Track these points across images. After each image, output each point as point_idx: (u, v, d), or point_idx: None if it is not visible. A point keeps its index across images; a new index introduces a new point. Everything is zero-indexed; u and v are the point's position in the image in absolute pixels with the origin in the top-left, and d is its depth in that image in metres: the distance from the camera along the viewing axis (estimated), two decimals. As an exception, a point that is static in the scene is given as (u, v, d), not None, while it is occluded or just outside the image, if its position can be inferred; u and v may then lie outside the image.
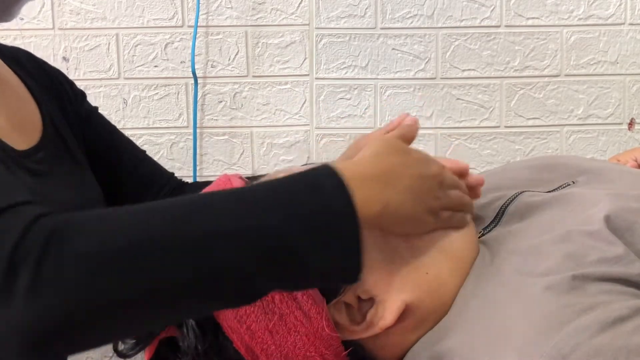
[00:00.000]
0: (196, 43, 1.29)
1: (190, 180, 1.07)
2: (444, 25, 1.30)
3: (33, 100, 0.76)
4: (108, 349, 0.58)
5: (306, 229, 0.49)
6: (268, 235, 0.48)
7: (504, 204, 0.72)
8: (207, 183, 0.86)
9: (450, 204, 0.61)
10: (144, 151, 0.93)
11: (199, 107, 1.32)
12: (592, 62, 1.32)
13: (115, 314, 0.44)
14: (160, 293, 0.45)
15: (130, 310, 0.45)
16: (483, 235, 0.70)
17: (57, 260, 0.43)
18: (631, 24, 1.32)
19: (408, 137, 0.63)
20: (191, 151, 1.32)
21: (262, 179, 0.67)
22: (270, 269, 0.48)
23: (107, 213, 0.47)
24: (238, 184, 0.65)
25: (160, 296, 0.45)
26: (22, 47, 1.27)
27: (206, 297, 0.47)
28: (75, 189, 0.74)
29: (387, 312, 0.59)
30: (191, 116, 1.31)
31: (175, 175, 0.94)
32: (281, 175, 0.54)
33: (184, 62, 1.31)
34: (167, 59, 1.31)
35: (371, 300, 0.60)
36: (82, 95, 0.87)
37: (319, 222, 0.49)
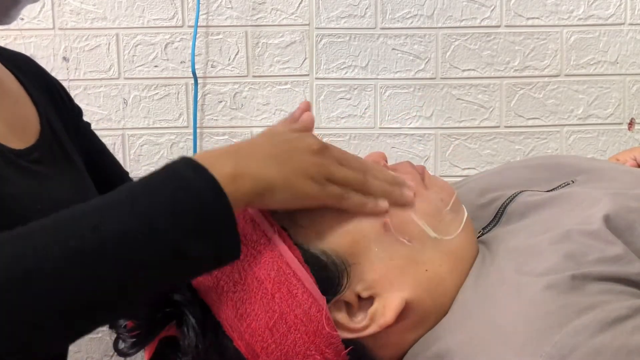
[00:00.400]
0: (196, 43, 1.29)
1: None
2: (444, 25, 1.31)
3: (31, 102, 0.77)
4: (108, 348, 0.58)
5: (178, 222, 0.50)
6: (148, 241, 0.49)
7: (504, 203, 0.72)
8: None
9: (340, 178, 0.59)
10: (128, 173, 0.95)
11: (199, 107, 1.32)
12: (592, 62, 1.32)
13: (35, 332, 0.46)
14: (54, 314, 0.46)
15: (39, 331, 0.46)
16: (482, 234, 0.70)
17: None
18: (631, 24, 1.32)
19: (296, 116, 0.64)
20: (191, 151, 1.32)
21: None
22: (154, 270, 0.50)
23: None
24: None
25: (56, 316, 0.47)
26: (22, 47, 1.28)
27: (109, 306, 0.50)
28: (73, 189, 0.74)
29: (387, 310, 0.59)
30: (191, 116, 1.31)
31: None
32: None
33: (184, 62, 1.31)
34: (167, 59, 1.31)
35: (371, 299, 0.61)
36: (79, 110, 0.88)
37: (186, 211, 0.50)
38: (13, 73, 0.78)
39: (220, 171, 0.53)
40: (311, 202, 0.59)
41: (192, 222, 0.51)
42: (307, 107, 0.67)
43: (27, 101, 0.76)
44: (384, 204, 0.62)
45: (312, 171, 0.58)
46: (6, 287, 0.44)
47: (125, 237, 0.48)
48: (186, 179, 0.52)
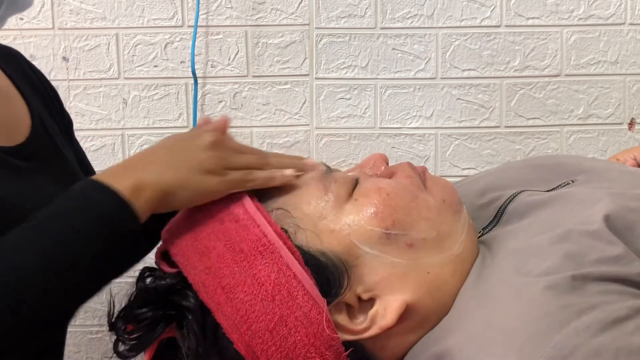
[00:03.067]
0: (196, 43, 1.29)
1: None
2: (444, 25, 1.30)
3: (22, 99, 0.76)
4: (108, 349, 0.58)
5: (93, 248, 0.54)
6: (66, 269, 0.53)
7: (504, 203, 0.72)
8: None
9: (239, 164, 0.62)
10: None
11: (198, 107, 1.31)
12: (592, 62, 1.32)
13: None
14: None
15: None
16: (482, 235, 0.70)
17: None
18: (631, 24, 1.32)
19: (219, 128, 0.65)
20: (191, 151, 1.32)
21: None
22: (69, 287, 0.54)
23: None
24: None
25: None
26: (22, 47, 1.28)
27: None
28: (65, 186, 0.74)
29: (388, 312, 0.59)
30: (191, 116, 1.31)
31: None
32: None
33: (184, 62, 1.31)
34: (167, 59, 1.31)
35: (372, 301, 0.60)
36: (70, 120, 0.90)
37: (97, 232, 0.55)
38: (4, 70, 0.77)
39: (123, 186, 0.56)
40: (217, 194, 0.61)
41: (103, 242, 0.55)
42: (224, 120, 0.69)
43: (17, 97, 0.76)
44: (289, 171, 0.63)
45: (209, 165, 0.60)
46: None
47: (40, 269, 0.52)
48: (92, 200, 0.55)
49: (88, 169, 0.90)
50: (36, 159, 0.71)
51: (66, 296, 0.54)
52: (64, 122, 0.87)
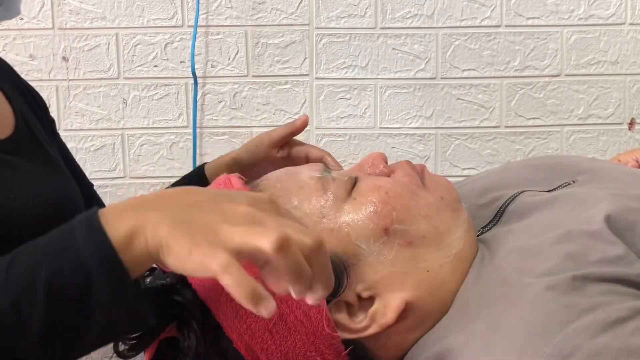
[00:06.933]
0: (196, 43, 1.29)
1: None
2: (444, 25, 1.30)
3: (4, 98, 0.77)
4: (108, 349, 0.58)
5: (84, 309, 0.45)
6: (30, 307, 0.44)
7: (504, 203, 0.72)
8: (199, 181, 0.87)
9: (241, 216, 0.48)
10: (92, 185, 0.94)
11: (198, 107, 1.31)
12: (592, 62, 1.32)
13: None
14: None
15: None
16: (482, 233, 0.70)
17: None
18: (631, 24, 1.32)
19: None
20: (191, 151, 1.32)
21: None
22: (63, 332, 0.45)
23: None
24: (237, 183, 0.65)
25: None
26: (22, 46, 1.28)
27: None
28: (51, 182, 0.75)
29: (387, 311, 0.59)
30: (191, 116, 1.31)
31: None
32: None
33: (184, 62, 1.31)
34: (167, 59, 1.31)
35: (372, 299, 0.60)
36: (52, 119, 0.89)
37: (75, 273, 0.45)
38: None
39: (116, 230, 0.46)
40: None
41: (71, 297, 0.45)
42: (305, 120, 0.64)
43: (1, 98, 0.76)
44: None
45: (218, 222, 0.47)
46: None
47: (11, 314, 0.44)
48: (74, 246, 0.46)
49: (73, 165, 0.90)
50: (19, 154, 0.72)
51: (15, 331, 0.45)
52: (48, 120, 0.87)
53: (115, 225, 0.46)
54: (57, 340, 0.46)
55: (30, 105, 0.83)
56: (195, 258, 0.43)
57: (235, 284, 0.42)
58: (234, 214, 0.46)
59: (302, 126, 0.88)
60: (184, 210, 0.47)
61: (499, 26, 1.31)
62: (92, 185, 0.95)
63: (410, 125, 1.32)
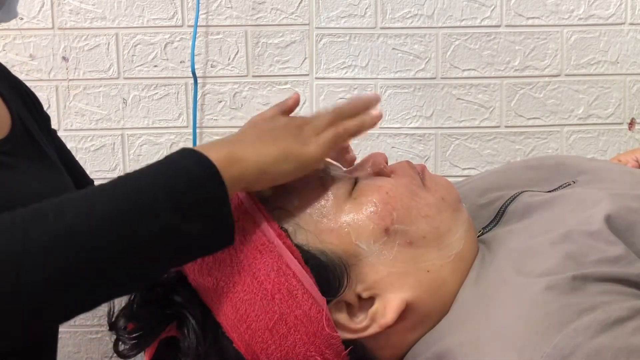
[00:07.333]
0: (196, 43, 1.29)
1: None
2: (444, 25, 1.30)
3: (0, 99, 0.77)
4: (108, 349, 0.58)
5: (170, 201, 0.51)
6: (143, 218, 0.50)
7: (504, 203, 0.72)
8: None
9: (323, 125, 0.63)
10: (94, 181, 0.96)
11: (198, 107, 1.31)
12: (592, 62, 1.32)
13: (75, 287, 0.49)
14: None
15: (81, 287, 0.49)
16: (482, 234, 0.70)
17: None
18: (631, 24, 1.31)
19: (284, 109, 0.69)
20: (191, 151, 1.32)
21: None
22: (155, 246, 0.51)
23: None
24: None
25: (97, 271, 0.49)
26: (22, 46, 1.28)
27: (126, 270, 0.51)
28: (46, 182, 0.75)
29: (387, 311, 0.59)
30: (191, 116, 1.31)
31: None
32: None
33: (184, 61, 1.31)
34: (167, 59, 1.31)
35: (372, 299, 0.60)
36: (48, 116, 0.89)
37: (179, 192, 0.52)
38: None
39: (215, 156, 0.54)
40: (318, 160, 0.61)
41: (185, 201, 0.52)
42: (297, 97, 0.71)
43: None
44: (376, 112, 0.65)
45: (300, 134, 0.61)
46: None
47: (116, 216, 0.49)
48: (180, 161, 0.54)
49: (73, 163, 0.90)
50: (17, 154, 0.72)
51: (129, 252, 0.50)
52: (43, 118, 0.87)
53: (213, 153, 0.54)
54: (171, 242, 0.52)
55: (26, 105, 0.83)
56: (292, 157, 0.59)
57: (356, 126, 0.63)
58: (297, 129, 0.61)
59: (294, 104, 0.89)
60: (264, 137, 0.60)
61: (499, 26, 1.31)
62: (93, 181, 0.95)
63: (410, 125, 1.32)
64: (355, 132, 0.64)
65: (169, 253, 0.53)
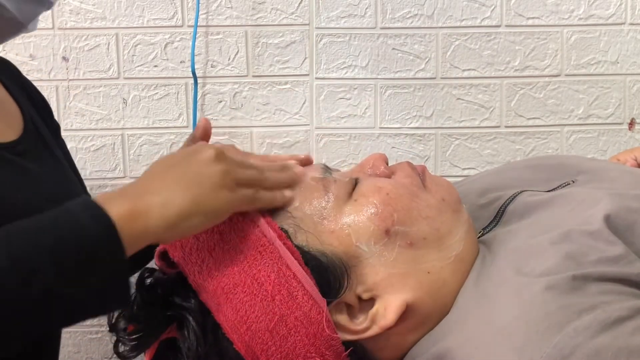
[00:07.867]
0: (196, 43, 1.29)
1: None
2: (444, 25, 1.30)
3: (14, 102, 0.77)
4: (108, 349, 0.58)
5: (58, 267, 0.47)
6: (26, 278, 0.46)
7: (504, 203, 0.72)
8: None
9: (245, 179, 0.58)
10: (86, 188, 0.94)
11: (198, 107, 1.31)
12: (592, 62, 1.32)
13: None
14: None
15: None
16: (483, 235, 0.70)
17: None
18: (632, 24, 1.31)
19: (197, 136, 0.65)
20: (191, 151, 1.32)
21: None
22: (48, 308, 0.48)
23: None
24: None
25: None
26: (22, 47, 1.28)
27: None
28: (59, 183, 0.75)
29: (388, 312, 0.59)
30: (191, 116, 1.31)
31: None
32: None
33: (184, 62, 1.30)
34: (167, 59, 1.31)
35: (372, 301, 0.60)
36: (57, 124, 0.89)
37: (68, 251, 0.47)
38: None
39: (117, 210, 0.50)
40: (227, 214, 0.57)
41: (70, 264, 0.48)
42: (205, 122, 0.68)
43: (10, 101, 0.77)
44: (289, 193, 0.62)
45: (221, 180, 0.55)
46: None
47: (3, 272, 0.46)
48: (79, 214, 0.49)
49: (74, 168, 0.90)
50: (29, 155, 0.72)
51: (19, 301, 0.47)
52: (53, 125, 0.88)
53: (113, 208, 0.50)
54: (54, 306, 0.48)
55: (37, 108, 0.83)
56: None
57: (268, 200, 0.60)
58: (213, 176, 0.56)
59: (202, 134, 0.82)
60: (178, 179, 0.55)
61: (499, 26, 1.31)
62: (86, 188, 0.95)
63: (410, 125, 1.32)
64: (265, 205, 0.60)
65: (57, 315, 0.49)
